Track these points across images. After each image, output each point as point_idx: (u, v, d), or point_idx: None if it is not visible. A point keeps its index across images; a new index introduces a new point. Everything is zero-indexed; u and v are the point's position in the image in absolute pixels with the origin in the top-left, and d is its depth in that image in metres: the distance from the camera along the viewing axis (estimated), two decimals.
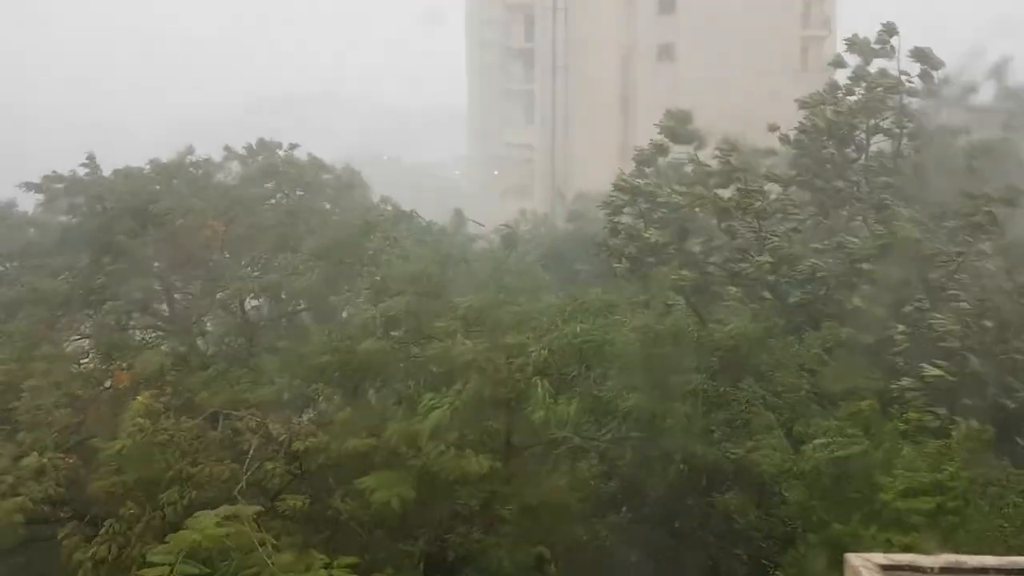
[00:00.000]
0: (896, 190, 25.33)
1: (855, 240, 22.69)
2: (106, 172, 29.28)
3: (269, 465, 18.12)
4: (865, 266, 21.80)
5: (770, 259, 23.33)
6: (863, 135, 26.97)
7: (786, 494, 17.64)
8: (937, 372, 18.95)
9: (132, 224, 25.86)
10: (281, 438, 18.90)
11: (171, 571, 13.90)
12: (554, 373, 18.43)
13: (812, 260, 23.38)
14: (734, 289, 23.86)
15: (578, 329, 18.75)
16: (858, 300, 21.63)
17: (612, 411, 19.65)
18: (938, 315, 20.39)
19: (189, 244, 25.75)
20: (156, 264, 26.35)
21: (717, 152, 26.11)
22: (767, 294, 24.18)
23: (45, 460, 18.14)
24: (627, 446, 21.48)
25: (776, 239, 23.84)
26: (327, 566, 14.62)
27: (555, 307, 20.35)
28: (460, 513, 18.69)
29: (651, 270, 24.32)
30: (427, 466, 17.24)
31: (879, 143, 27.15)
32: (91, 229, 26.86)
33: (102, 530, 16.54)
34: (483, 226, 31.27)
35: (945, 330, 20.01)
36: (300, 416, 20.72)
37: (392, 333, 20.75)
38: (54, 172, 29.33)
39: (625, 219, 25.94)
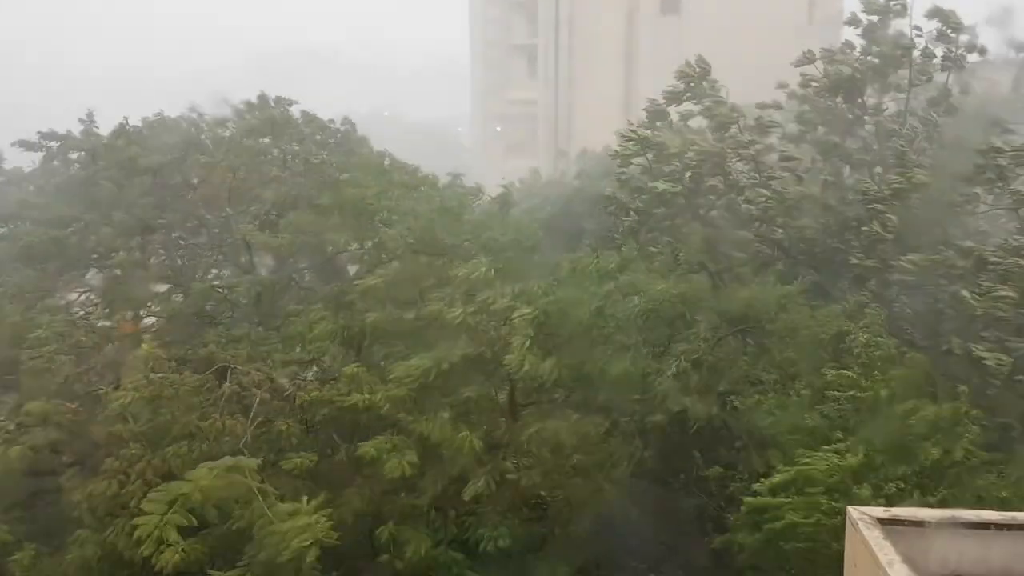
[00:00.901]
0: (908, 146, 25.12)
1: (872, 185, 22.56)
2: (106, 129, 29.08)
3: (278, 421, 18.32)
4: (880, 207, 21.70)
5: (769, 195, 23.33)
6: (874, 93, 26.76)
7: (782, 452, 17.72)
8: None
9: (136, 179, 25.74)
10: (287, 393, 19.06)
11: (162, 519, 14.28)
12: (544, 335, 18.56)
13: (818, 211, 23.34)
14: (741, 255, 23.80)
15: (573, 294, 18.82)
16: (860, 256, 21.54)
17: (604, 374, 19.84)
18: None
19: (193, 198, 25.69)
20: (160, 220, 26.26)
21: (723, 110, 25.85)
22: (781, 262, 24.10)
23: (48, 408, 18.30)
24: (623, 407, 21.77)
25: (780, 190, 23.78)
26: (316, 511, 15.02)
27: (557, 269, 20.39)
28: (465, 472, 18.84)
29: (660, 224, 24.23)
30: (425, 434, 17.47)
31: (893, 100, 26.95)
32: (93, 184, 26.74)
33: (102, 468, 16.67)
34: (483, 183, 31.10)
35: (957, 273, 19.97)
36: (306, 372, 20.89)
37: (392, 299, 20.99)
38: (51, 130, 29.12)
39: (633, 171, 25.78)
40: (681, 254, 22.79)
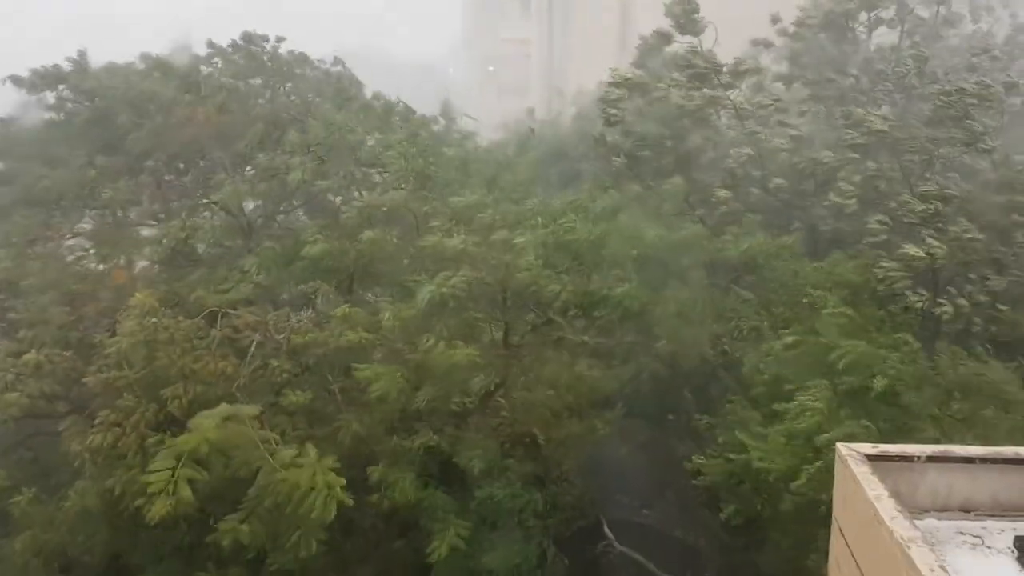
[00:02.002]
0: (897, 82, 24.84)
1: (852, 133, 22.32)
2: (94, 68, 28.50)
3: (271, 362, 18.38)
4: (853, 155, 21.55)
5: (750, 152, 23.17)
6: (864, 29, 26.40)
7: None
8: (917, 252, 18.85)
9: (124, 120, 25.34)
10: (280, 335, 19.06)
11: (173, 475, 14.42)
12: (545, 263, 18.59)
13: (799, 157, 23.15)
14: (725, 193, 23.62)
15: (571, 225, 18.77)
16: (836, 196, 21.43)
17: (602, 299, 19.85)
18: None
19: (180, 139, 25.28)
20: (149, 162, 25.93)
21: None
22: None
23: (43, 356, 18.34)
24: (620, 342, 21.86)
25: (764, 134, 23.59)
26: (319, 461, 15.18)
27: (554, 205, 20.29)
28: (459, 412, 18.99)
29: (648, 166, 24.07)
30: (423, 361, 17.53)
31: (881, 36, 26.63)
32: (82, 125, 26.36)
33: (98, 420, 16.77)
34: (477, 120, 30.74)
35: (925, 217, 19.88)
36: (299, 314, 20.86)
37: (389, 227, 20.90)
38: (41, 67, 28.54)
39: (622, 114, 25.46)
40: (667, 202, 22.65)
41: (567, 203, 20.34)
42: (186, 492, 14.20)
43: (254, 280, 20.16)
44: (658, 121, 24.04)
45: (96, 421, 16.71)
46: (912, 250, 18.71)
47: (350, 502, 15.10)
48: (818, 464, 14.30)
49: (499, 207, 19.82)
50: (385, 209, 20.41)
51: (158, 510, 14.02)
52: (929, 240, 18.86)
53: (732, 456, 16.83)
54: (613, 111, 24.95)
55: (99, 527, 16.63)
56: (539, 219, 19.28)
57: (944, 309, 18.42)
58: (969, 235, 18.97)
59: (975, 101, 20.76)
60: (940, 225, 19.17)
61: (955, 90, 21.38)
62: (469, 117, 29.11)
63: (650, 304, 19.64)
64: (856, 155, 21.69)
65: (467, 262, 18.32)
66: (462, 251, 18.38)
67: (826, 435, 14.77)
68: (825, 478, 14.21)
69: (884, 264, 19.26)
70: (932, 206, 19.15)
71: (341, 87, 27.89)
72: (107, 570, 17.30)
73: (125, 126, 24.84)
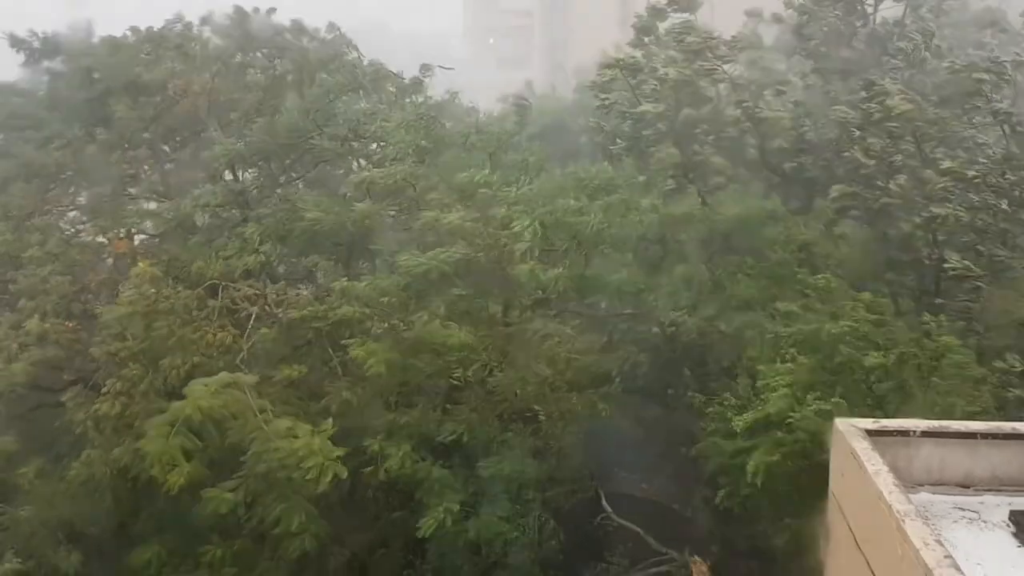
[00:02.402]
0: (905, 57, 24.57)
1: (848, 112, 22.18)
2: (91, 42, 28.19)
3: (268, 333, 18.41)
4: (857, 134, 21.41)
5: (744, 119, 23.05)
6: (871, 1, 26.06)
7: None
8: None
9: (122, 94, 25.13)
10: (278, 309, 19.09)
11: (167, 441, 14.52)
12: (543, 246, 18.56)
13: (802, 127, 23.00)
14: (720, 160, 23.50)
15: (570, 204, 18.73)
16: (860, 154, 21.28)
17: (600, 286, 19.92)
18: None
19: (177, 113, 25.09)
20: (145, 135, 25.76)
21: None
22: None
23: (46, 326, 18.37)
24: (618, 320, 21.94)
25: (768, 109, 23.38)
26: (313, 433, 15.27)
27: (552, 183, 20.23)
28: (457, 387, 19.02)
29: (647, 147, 23.93)
30: (418, 338, 17.54)
31: (887, 9, 26.23)
32: (80, 99, 26.14)
33: (104, 390, 16.83)
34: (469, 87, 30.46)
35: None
36: (297, 288, 20.86)
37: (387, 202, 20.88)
38: (32, 31, 28.23)
39: (619, 94, 25.27)
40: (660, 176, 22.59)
41: (568, 180, 20.26)
42: (180, 460, 14.31)
43: (257, 249, 20.06)
44: (654, 99, 23.86)
45: (103, 391, 16.81)
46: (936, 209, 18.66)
47: (344, 472, 15.17)
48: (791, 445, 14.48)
49: (497, 183, 19.71)
50: (385, 182, 20.30)
51: (174, 480, 14.16)
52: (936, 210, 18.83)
53: (721, 440, 17.01)
54: (605, 96, 24.75)
55: (104, 497, 16.73)
56: (539, 199, 19.22)
57: (951, 265, 18.35)
58: (979, 212, 18.91)
59: (985, 77, 20.59)
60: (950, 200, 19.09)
61: (964, 66, 21.19)
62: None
63: (646, 289, 19.69)
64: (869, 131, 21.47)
65: (464, 238, 18.27)
66: (459, 227, 18.31)
67: (794, 414, 14.89)
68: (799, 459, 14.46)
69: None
70: (945, 180, 19.07)
71: (339, 54, 27.49)
72: (112, 540, 17.42)
73: (123, 100, 24.62)
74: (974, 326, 18.34)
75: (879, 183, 20.66)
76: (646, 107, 23.78)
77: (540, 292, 19.09)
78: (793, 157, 23.53)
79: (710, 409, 18.29)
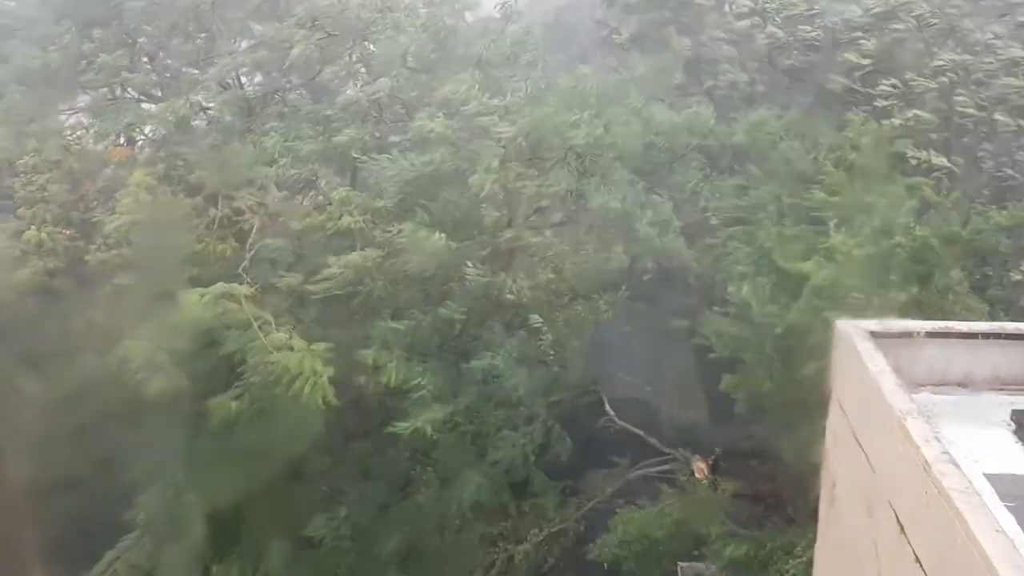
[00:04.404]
0: None
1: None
2: None
3: (270, 243, 18.35)
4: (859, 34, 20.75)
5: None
6: None
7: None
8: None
9: None
10: (280, 218, 18.98)
11: (153, 345, 14.61)
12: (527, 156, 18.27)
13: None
14: (730, 49, 22.83)
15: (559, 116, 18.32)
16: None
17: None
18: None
19: (176, 9, 24.32)
20: (142, 38, 25.11)
21: None
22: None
23: (44, 235, 18.33)
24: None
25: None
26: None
27: (548, 92, 19.71)
28: (452, 290, 18.97)
29: (652, 42, 23.21)
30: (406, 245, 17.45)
31: None
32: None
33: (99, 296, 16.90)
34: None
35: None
36: (298, 197, 20.69)
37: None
38: None
39: None
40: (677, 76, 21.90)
41: (566, 92, 19.71)
42: (164, 359, 14.41)
43: (275, 160, 19.66)
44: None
45: (99, 298, 16.87)
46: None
47: (331, 396, 15.26)
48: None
49: (484, 93, 19.16)
50: (372, 98, 19.82)
51: (157, 384, 14.28)
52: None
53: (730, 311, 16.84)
54: None
55: (100, 403, 16.92)
56: (527, 108, 18.74)
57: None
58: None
59: None
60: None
61: None
62: None
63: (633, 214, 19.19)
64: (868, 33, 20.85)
65: (450, 147, 18.00)
66: (444, 136, 18.01)
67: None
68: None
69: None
70: (946, 79, 18.60)
71: None
72: (110, 447, 17.69)
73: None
74: None
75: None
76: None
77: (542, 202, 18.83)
78: (801, 53, 22.83)
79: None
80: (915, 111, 18.81)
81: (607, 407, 20.55)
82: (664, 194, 20.42)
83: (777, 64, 23.29)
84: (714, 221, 19.79)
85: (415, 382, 17.18)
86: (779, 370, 15.35)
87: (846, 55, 20.76)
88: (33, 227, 18.43)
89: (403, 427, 16.78)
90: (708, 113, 20.80)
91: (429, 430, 16.78)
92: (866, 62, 20.08)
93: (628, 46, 23.55)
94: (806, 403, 13.24)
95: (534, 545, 19.11)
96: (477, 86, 18.75)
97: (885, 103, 19.79)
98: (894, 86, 19.64)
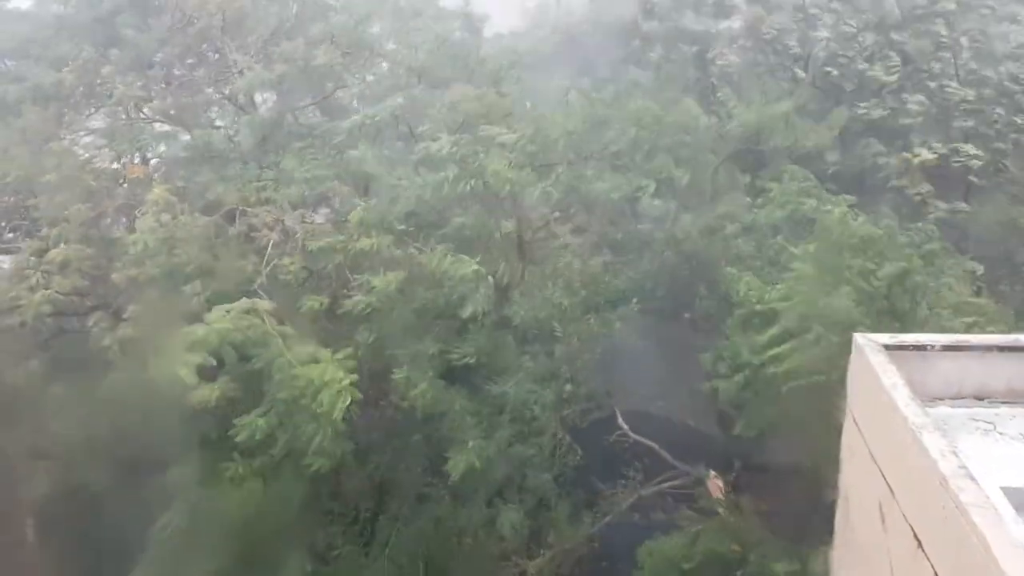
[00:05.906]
0: None
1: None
2: None
3: (287, 261, 18.47)
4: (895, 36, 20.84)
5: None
6: None
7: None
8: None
9: (132, 14, 24.73)
10: (297, 235, 19.10)
11: (180, 361, 14.77)
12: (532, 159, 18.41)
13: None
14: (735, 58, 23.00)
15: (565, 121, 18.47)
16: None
17: (591, 199, 19.66)
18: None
19: (192, 32, 24.63)
20: (158, 57, 25.40)
21: None
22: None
23: (68, 253, 18.52)
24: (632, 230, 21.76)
25: None
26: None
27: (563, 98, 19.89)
28: (475, 319, 19.11)
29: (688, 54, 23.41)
30: (434, 268, 17.60)
31: None
32: (90, 20, 25.74)
33: (126, 315, 17.05)
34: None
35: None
36: (313, 215, 20.82)
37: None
38: None
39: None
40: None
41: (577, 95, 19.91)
42: (190, 377, 14.58)
43: (300, 178, 19.82)
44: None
45: (125, 316, 17.03)
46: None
47: (358, 395, 15.41)
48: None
49: (496, 105, 19.36)
50: (377, 119, 20.02)
51: (203, 396, 14.42)
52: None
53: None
54: None
55: (129, 420, 17.10)
56: (528, 112, 18.95)
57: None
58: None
59: None
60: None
61: None
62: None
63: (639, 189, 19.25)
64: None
65: (456, 163, 18.15)
66: (450, 154, 18.19)
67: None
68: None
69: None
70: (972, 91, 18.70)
71: None
72: (137, 461, 17.86)
73: (134, 21, 24.24)
74: None
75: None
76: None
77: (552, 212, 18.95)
78: (822, 65, 23.00)
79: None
80: None
81: (620, 420, 20.63)
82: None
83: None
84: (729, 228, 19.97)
85: (445, 405, 17.41)
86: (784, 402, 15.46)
87: None
88: (61, 245, 18.60)
89: (453, 464, 17.07)
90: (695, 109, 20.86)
91: (477, 463, 17.00)
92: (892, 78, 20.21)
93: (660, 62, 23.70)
94: (817, 421, 13.35)
95: (547, 560, 19.16)
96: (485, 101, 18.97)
97: None
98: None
